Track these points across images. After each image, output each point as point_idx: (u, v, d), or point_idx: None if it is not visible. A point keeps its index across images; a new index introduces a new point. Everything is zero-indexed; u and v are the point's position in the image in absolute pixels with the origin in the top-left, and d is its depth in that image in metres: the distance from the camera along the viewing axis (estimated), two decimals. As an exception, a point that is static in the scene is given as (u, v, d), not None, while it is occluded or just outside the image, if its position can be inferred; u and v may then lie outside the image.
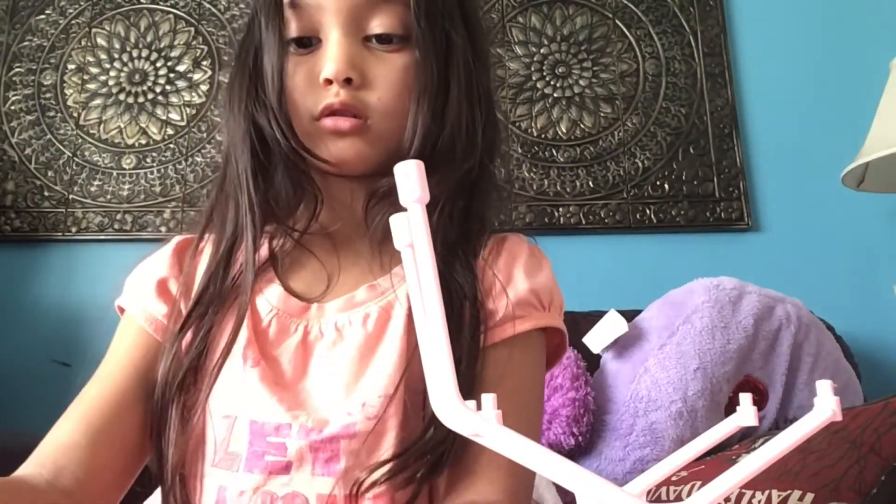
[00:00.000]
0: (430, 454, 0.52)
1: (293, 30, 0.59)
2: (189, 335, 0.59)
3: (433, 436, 0.52)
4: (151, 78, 1.76)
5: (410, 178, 0.27)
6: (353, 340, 0.58)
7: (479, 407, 0.27)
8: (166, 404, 0.57)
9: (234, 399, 0.56)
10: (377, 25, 0.58)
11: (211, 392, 0.57)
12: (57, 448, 0.54)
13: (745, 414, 0.34)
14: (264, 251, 0.62)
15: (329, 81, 0.57)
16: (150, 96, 1.75)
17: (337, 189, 0.63)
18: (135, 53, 1.78)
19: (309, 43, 0.59)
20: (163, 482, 0.57)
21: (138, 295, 0.63)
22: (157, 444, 0.58)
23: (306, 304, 0.60)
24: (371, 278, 0.61)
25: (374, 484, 0.52)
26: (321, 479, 0.53)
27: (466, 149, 0.61)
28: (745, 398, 0.34)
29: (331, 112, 0.58)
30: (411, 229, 0.27)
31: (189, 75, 1.77)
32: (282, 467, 0.54)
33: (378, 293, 0.60)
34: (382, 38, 0.59)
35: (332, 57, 0.57)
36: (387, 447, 0.54)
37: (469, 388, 0.55)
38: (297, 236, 0.61)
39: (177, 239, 0.67)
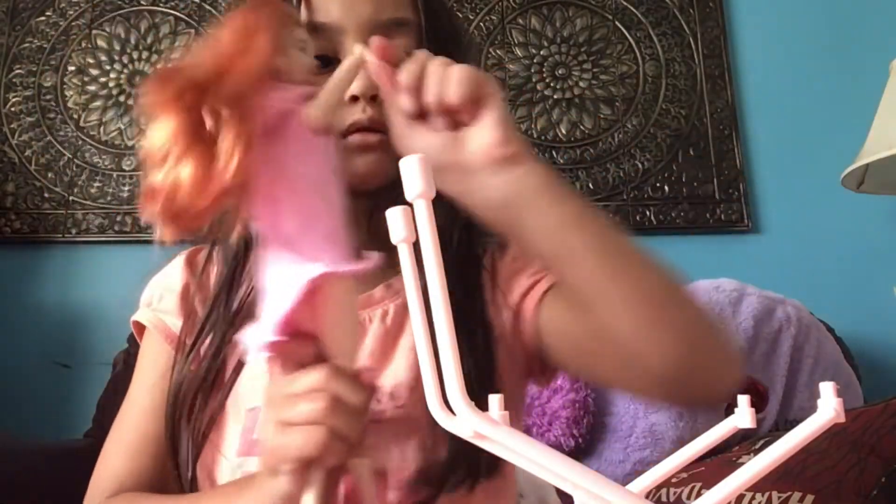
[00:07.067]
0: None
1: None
2: (196, 360, 0.61)
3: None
4: (151, 79, 1.76)
5: (415, 173, 0.27)
6: (374, 335, 0.61)
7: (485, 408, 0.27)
8: (178, 421, 0.60)
9: (260, 392, 0.58)
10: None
11: (228, 397, 0.60)
12: (122, 484, 0.60)
13: (743, 415, 0.34)
14: None
15: (355, 98, 0.59)
16: (151, 98, 1.75)
17: None
18: (135, 55, 1.78)
19: (329, 62, 0.60)
20: (181, 481, 0.60)
21: (156, 311, 0.66)
22: (172, 455, 0.61)
23: None
24: (385, 279, 0.64)
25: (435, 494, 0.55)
26: None
27: None
28: (743, 400, 0.34)
29: (357, 129, 0.59)
30: (417, 225, 0.27)
31: (189, 77, 1.76)
32: None
33: (394, 292, 0.64)
34: None
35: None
36: (413, 434, 0.57)
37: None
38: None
39: (186, 251, 0.69)
